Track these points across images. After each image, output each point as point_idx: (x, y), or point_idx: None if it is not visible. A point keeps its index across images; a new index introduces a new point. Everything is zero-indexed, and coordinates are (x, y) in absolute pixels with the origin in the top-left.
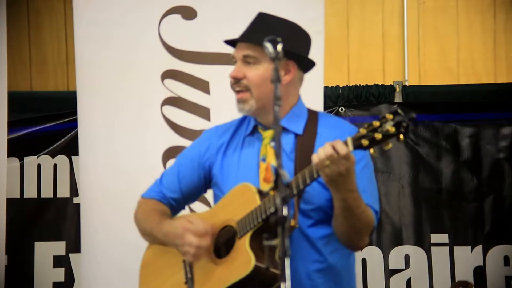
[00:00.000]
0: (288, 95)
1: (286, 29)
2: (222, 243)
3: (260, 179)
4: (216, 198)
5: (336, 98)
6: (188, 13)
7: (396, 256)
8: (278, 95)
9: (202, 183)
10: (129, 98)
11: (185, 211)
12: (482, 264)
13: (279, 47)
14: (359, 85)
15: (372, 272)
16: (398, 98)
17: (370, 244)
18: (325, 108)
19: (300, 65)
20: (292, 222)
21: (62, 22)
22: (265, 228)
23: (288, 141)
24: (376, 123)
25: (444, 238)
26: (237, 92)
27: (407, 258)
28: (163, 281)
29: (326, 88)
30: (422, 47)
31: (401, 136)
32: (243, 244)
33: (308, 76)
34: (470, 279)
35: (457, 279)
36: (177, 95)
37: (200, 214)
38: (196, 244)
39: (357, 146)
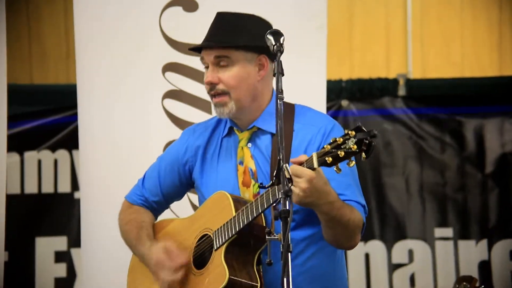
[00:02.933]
0: (263, 92)
1: (250, 23)
2: (201, 253)
3: (239, 183)
4: (200, 202)
5: (339, 91)
6: (189, 5)
7: (400, 250)
8: (281, 88)
9: (184, 185)
10: (130, 91)
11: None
12: (487, 258)
13: (282, 39)
14: (362, 78)
15: (375, 266)
16: (401, 92)
17: (373, 238)
18: (328, 102)
19: (271, 57)
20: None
21: (62, 14)
22: (240, 239)
23: (264, 141)
24: (340, 140)
25: (448, 232)
26: (214, 96)
27: (411, 253)
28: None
29: (329, 81)
30: (425, 40)
31: (363, 155)
32: (219, 257)
33: (311, 70)
34: (475, 274)
35: (461, 274)
36: (178, 88)
37: (182, 221)
38: (168, 280)
39: (322, 162)
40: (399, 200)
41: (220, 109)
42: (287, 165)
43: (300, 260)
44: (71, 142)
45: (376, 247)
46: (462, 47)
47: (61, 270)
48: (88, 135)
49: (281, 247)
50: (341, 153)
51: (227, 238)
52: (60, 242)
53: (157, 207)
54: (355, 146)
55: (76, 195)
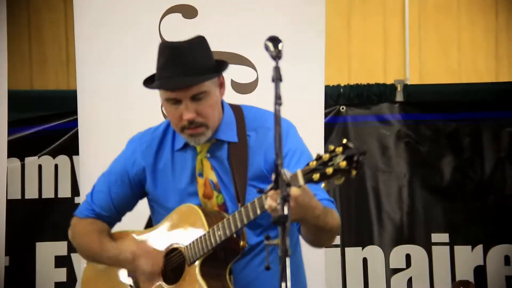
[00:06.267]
0: (219, 107)
1: (203, 48)
2: (171, 268)
3: (199, 195)
4: (157, 214)
5: (337, 97)
6: (189, 12)
7: (397, 255)
8: (280, 94)
9: (136, 195)
10: (130, 97)
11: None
12: (482, 263)
13: (280, 45)
14: (360, 84)
15: (373, 271)
16: (399, 97)
17: (371, 243)
18: (326, 107)
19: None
20: (241, 243)
21: (63, 20)
22: (215, 254)
23: (223, 152)
24: (326, 156)
25: (444, 237)
26: (192, 129)
27: (408, 258)
28: None
29: (327, 87)
30: (423, 46)
31: (353, 172)
32: (194, 272)
33: (309, 76)
34: (471, 279)
35: (457, 278)
36: None
37: (142, 233)
38: (149, 269)
39: (308, 180)
40: (396, 205)
41: (197, 138)
42: (285, 170)
43: (259, 260)
44: (71, 148)
45: (373, 252)
46: (459, 53)
47: (61, 274)
48: (88, 141)
49: (279, 251)
50: (329, 170)
51: (201, 254)
52: (60, 247)
53: (109, 221)
54: (345, 163)
55: (77, 200)
